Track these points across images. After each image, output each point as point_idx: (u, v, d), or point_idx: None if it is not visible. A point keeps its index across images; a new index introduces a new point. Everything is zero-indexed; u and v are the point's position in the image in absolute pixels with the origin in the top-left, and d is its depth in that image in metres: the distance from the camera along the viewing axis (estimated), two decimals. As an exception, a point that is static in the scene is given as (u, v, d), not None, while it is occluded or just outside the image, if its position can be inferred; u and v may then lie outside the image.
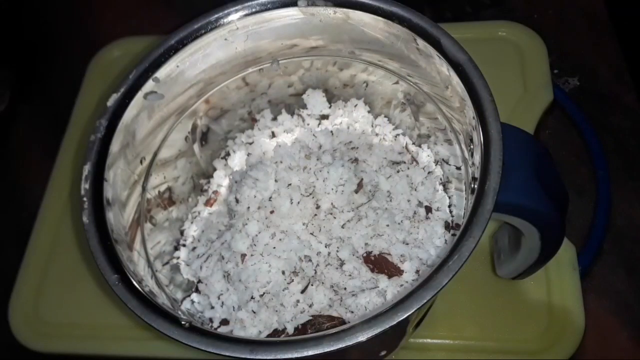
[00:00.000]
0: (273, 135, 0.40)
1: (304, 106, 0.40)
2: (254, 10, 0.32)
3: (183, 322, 0.25)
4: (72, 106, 0.51)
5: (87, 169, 0.29)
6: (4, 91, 0.55)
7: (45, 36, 0.60)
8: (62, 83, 0.55)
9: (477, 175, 0.26)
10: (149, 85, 0.32)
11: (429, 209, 0.35)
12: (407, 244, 0.33)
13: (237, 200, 0.34)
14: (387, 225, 0.33)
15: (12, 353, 0.43)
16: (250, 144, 0.40)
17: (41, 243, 0.45)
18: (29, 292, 0.43)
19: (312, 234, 0.33)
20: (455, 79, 0.29)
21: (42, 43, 0.59)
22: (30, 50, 0.59)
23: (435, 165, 0.37)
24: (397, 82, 0.36)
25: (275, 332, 0.31)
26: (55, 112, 0.53)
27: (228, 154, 0.40)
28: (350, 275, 0.32)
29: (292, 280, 0.32)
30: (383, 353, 0.34)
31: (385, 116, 0.39)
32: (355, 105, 0.39)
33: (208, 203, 0.39)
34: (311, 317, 0.31)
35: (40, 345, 0.42)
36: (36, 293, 0.43)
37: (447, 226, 0.34)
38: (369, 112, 0.39)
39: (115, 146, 0.30)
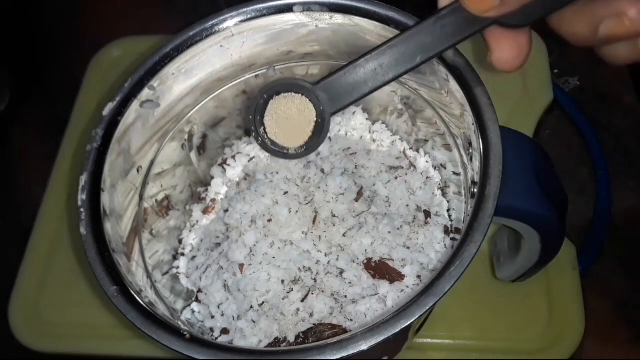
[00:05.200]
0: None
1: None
2: (249, 16, 0.32)
3: (184, 333, 0.25)
4: (72, 106, 0.51)
5: (83, 179, 0.29)
6: (4, 91, 0.55)
7: (45, 36, 0.59)
8: (62, 83, 0.55)
9: (477, 179, 0.26)
10: (145, 94, 0.32)
11: (428, 214, 0.35)
12: (408, 247, 0.33)
13: (234, 209, 0.34)
14: (389, 233, 0.33)
15: (12, 353, 0.43)
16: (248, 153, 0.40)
17: (41, 243, 0.45)
18: (29, 292, 0.43)
19: (312, 242, 0.33)
20: (454, 83, 0.29)
21: (42, 43, 0.59)
22: (31, 50, 0.59)
23: (434, 170, 0.37)
24: (395, 88, 0.36)
25: (277, 341, 0.31)
26: (55, 112, 0.53)
27: (225, 162, 0.40)
28: (350, 282, 0.32)
29: (292, 289, 0.32)
30: (385, 359, 0.34)
31: (382, 122, 0.39)
32: (354, 113, 0.39)
33: (206, 211, 0.38)
34: (312, 326, 0.31)
35: (40, 345, 0.42)
36: (36, 293, 0.43)
37: (447, 230, 0.34)
38: (367, 119, 0.39)
39: (111, 155, 0.30)
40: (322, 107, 0.28)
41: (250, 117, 0.29)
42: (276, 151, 0.29)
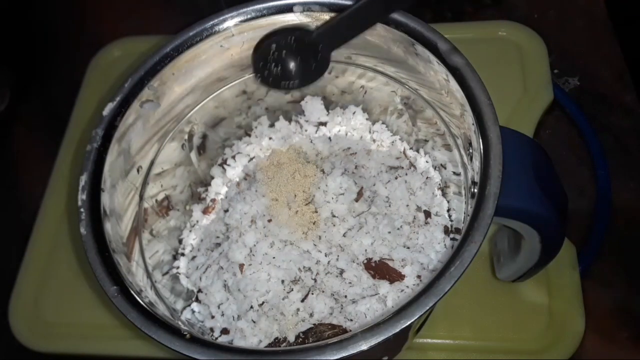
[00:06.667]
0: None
1: (302, 112, 0.39)
2: (249, 16, 0.32)
3: (184, 333, 0.25)
4: (72, 106, 0.51)
5: (83, 179, 0.29)
6: (4, 91, 0.55)
7: (45, 36, 0.59)
8: (62, 83, 0.55)
9: (477, 179, 0.26)
10: (144, 94, 0.32)
11: (428, 214, 0.35)
12: (408, 247, 0.33)
13: (234, 209, 0.34)
14: (389, 233, 0.33)
15: (12, 353, 0.43)
16: (248, 153, 0.40)
17: (41, 243, 0.45)
18: (29, 292, 0.43)
19: (312, 242, 0.33)
20: (453, 83, 0.29)
21: (42, 43, 0.59)
22: (30, 50, 0.59)
23: (434, 170, 0.37)
24: (395, 88, 0.36)
25: (277, 341, 0.31)
26: (55, 112, 0.53)
27: (225, 162, 0.40)
28: (350, 282, 0.32)
29: (292, 289, 0.32)
30: (385, 359, 0.34)
31: (382, 122, 0.39)
32: (354, 113, 0.39)
33: (206, 211, 0.39)
34: (312, 326, 0.31)
35: (40, 345, 0.42)
36: (36, 293, 0.43)
37: (447, 231, 0.34)
38: (367, 119, 0.39)
39: (111, 156, 0.30)
40: (321, 46, 0.32)
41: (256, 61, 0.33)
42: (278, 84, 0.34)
